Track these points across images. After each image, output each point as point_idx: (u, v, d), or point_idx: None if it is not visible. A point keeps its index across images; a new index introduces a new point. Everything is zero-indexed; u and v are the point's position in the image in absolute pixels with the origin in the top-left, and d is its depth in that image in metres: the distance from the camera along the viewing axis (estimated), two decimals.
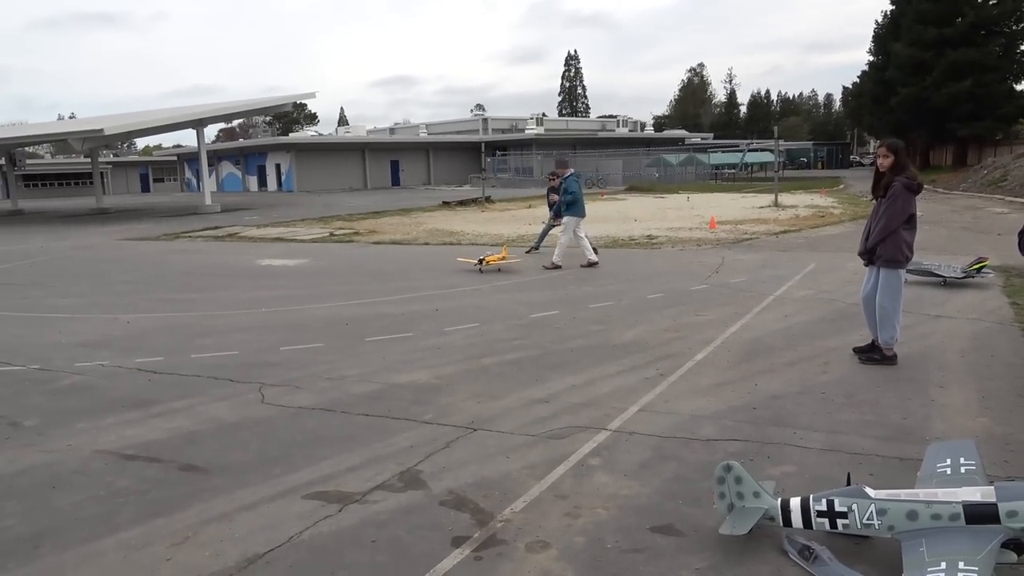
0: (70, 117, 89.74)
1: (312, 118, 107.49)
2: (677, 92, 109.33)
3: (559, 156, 13.52)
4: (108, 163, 68.77)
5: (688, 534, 3.43)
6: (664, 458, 4.31)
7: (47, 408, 5.55)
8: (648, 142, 61.80)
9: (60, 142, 39.89)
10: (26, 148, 48.86)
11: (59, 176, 66.39)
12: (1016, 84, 45.91)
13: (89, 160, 47.00)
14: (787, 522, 3.26)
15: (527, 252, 14.20)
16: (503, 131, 65.83)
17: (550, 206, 14.13)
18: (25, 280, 13.06)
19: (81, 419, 5.25)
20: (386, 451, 4.52)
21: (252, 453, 4.56)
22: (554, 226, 14.20)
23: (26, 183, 60.34)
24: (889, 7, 51.86)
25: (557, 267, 12.10)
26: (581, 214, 12.51)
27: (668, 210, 25.31)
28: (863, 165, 70.68)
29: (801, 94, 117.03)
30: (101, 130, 28.87)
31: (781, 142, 47.22)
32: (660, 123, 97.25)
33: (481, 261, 11.94)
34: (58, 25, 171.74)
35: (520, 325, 7.96)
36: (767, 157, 54.33)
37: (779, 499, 3.33)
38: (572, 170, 12.92)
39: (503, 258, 12.21)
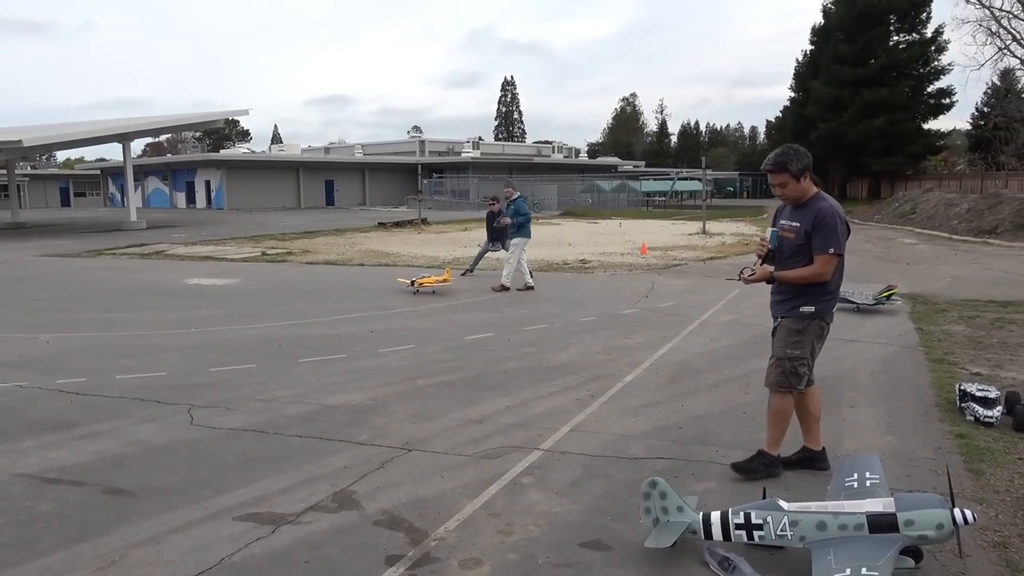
0: None
1: (245, 135, 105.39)
2: (610, 120, 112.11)
3: (507, 180, 13.84)
4: (25, 175, 65.72)
5: (616, 548, 3.57)
6: (594, 476, 4.45)
7: None
8: (582, 168, 63.09)
9: None
10: None
11: None
12: (924, 123, 48.98)
13: (4, 171, 44.88)
14: (708, 535, 3.44)
15: (462, 274, 14.31)
16: (440, 154, 66.03)
17: (489, 231, 14.25)
18: None
19: None
20: (320, 472, 4.52)
21: (181, 476, 4.49)
22: (491, 250, 14.36)
23: None
24: (809, 47, 54.79)
25: (505, 289, 12.22)
26: (529, 236, 12.81)
27: (601, 235, 25.87)
28: None
29: (728, 126, 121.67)
30: (19, 141, 27.71)
31: (709, 172, 48.94)
32: (594, 150, 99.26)
33: (413, 283, 11.94)
34: None
35: (455, 347, 8.04)
36: (696, 186, 56.19)
37: (701, 513, 3.51)
38: (519, 193, 13.20)
39: (444, 280, 12.22)
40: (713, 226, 28.88)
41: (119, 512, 3.98)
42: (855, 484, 3.61)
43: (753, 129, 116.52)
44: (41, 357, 7.68)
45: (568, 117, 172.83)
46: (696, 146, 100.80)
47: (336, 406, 5.87)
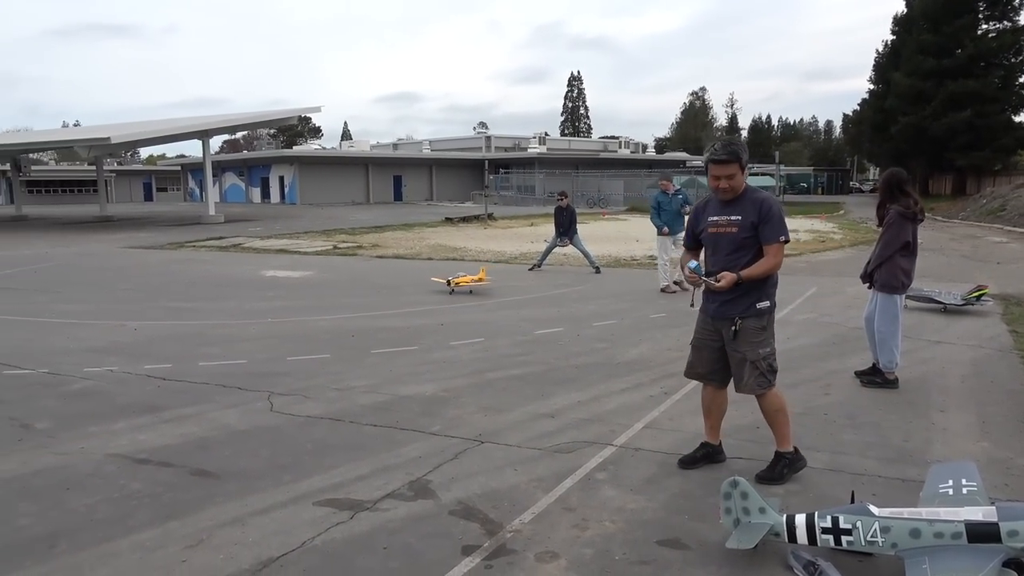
0: (75, 125, 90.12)
1: (316, 132, 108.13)
2: (679, 115, 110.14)
3: (663, 172, 13.49)
4: (112, 171, 69.10)
5: (694, 548, 3.49)
6: (670, 474, 4.37)
7: (58, 412, 5.60)
8: (650, 164, 62.19)
9: (66, 149, 40.10)
10: (31, 154, 49.06)
11: (63, 183, 66.66)
12: (1015, 115, 46.50)
13: (93, 168, 47.24)
14: (792, 538, 3.32)
15: (530, 269, 14.31)
16: (506, 149, 66.23)
17: (557, 226, 14.21)
18: (30, 286, 13.13)
19: (92, 423, 5.30)
20: (395, 461, 4.58)
21: (263, 460, 4.62)
22: (559, 245, 14.31)
23: (30, 189, 60.28)
24: (890, 37, 52.61)
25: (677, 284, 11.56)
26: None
27: None
28: (863, 192, 71.12)
29: (802, 120, 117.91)
30: (108, 138, 29.10)
31: (782, 167, 47.64)
32: (661, 145, 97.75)
33: (449, 282, 11.44)
34: (70, 34, 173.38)
35: (525, 341, 8.04)
36: (768, 181, 54.63)
37: (784, 515, 3.39)
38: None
39: (480, 280, 11.72)
40: (787, 223, 27.97)
41: (205, 493, 4.13)
42: (950, 491, 3.43)
43: (828, 123, 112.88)
44: (129, 344, 8.04)
45: (635, 112, 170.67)
46: (767, 141, 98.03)
47: (409, 396, 5.94)
